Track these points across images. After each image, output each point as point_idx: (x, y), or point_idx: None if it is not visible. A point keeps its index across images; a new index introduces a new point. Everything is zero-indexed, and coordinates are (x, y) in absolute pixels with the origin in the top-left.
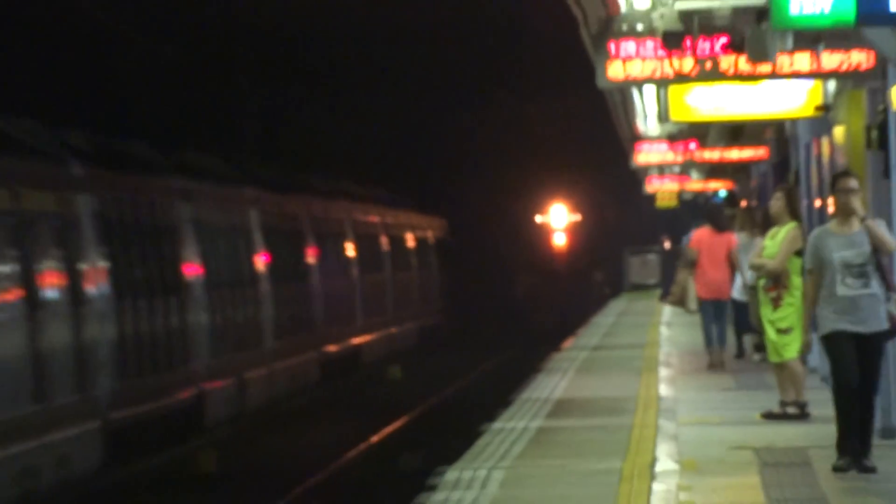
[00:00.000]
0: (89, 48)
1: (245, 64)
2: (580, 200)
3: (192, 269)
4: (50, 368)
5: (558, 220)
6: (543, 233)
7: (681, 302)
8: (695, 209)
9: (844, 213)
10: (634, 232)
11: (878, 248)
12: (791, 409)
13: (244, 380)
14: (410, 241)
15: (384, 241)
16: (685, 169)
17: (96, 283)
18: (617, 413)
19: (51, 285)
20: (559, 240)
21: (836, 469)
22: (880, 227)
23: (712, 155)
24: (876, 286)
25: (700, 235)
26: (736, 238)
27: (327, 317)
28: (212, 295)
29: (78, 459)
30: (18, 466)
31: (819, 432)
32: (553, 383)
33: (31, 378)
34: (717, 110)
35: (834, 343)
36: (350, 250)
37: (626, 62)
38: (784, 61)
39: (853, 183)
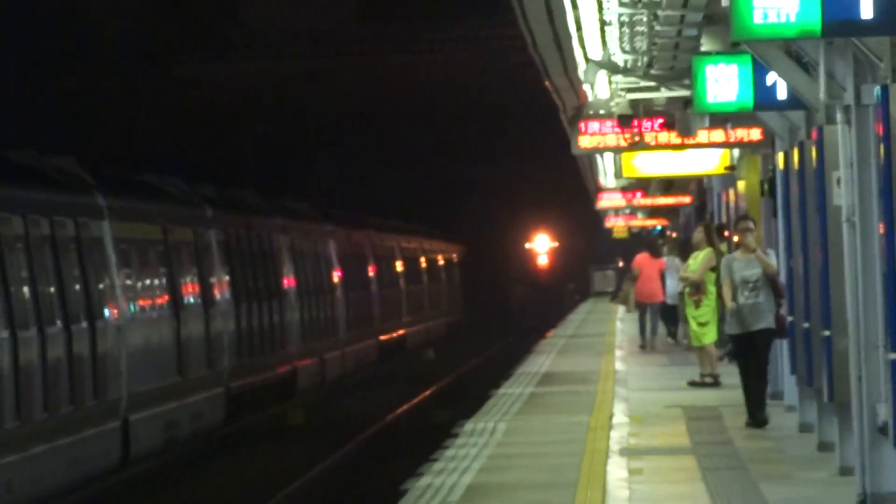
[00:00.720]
0: (210, 124)
1: (318, 136)
2: (558, 232)
3: (288, 281)
4: (188, 351)
5: (542, 245)
6: (531, 255)
7: (624, 302)
8: (639, 239)
9: (744, 245)
10: (597, 254)
11: (765, 271)
12: (708, 379)
13: (324, 359)
14: (440, 260)
15: (421, 260)
16: (633, 210)
17: (221, 291)
18: (586, 382)
19: (189, 293)
20: (542, 260)
21: (748, 425)
22: (767, 257)
23: (652, 201)
24: (763, 297)
25: (640, 259)
26: (665, 260)
27: (382, 315)
28: (301, 299)
29: (208, 414)
30: (172, 417)
31: (727, 396)
32: (541, 361)
33: (177, 357)
34: (656, 169)
35: (734, 341)
36: (398, 267)
37: (592, 136)
38: (703, 135)
39: (750, 224)
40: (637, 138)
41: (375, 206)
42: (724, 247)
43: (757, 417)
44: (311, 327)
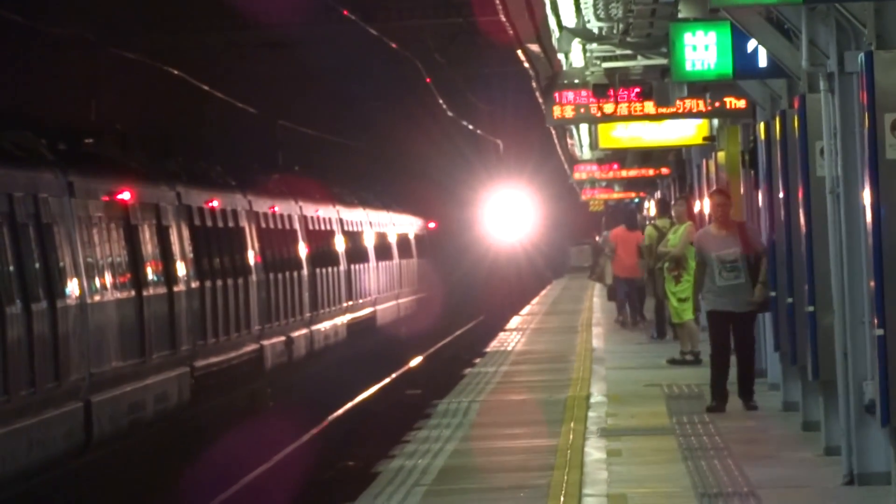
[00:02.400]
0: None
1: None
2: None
3: (254, 258)
4: (151, 330)
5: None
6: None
7: (600, 279)
8: (615, 212)
9: (717, 220)
10: (575, 229)
11: (750, 248)
12: (688, 357)
13: (291, 338)
14: (410, 234)
15: (392, 235)
16: (609, 183)
17: (185, 268)
18: (562, 361)
19: (152, 270)
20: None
21: (708, 410)
22: (758, 235)
23: (629, 173)
24: (744, 277)
25: (617, 233)
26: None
27: (351, 292)
28: (267, 276)
29: (173, 395)
30: (135, 399)
31: (708, 374)
32: (515, 339)
33: (139, 337)
34: (633, 140)
35: (712, 318)
36: (366, 242)
37: (567, 107)
38: (681, 105)
39: (722, 199)
40: (614, 109)
41: (341, 178)
42: (666, 223)
43: (749, 403)
44: (277, 305)
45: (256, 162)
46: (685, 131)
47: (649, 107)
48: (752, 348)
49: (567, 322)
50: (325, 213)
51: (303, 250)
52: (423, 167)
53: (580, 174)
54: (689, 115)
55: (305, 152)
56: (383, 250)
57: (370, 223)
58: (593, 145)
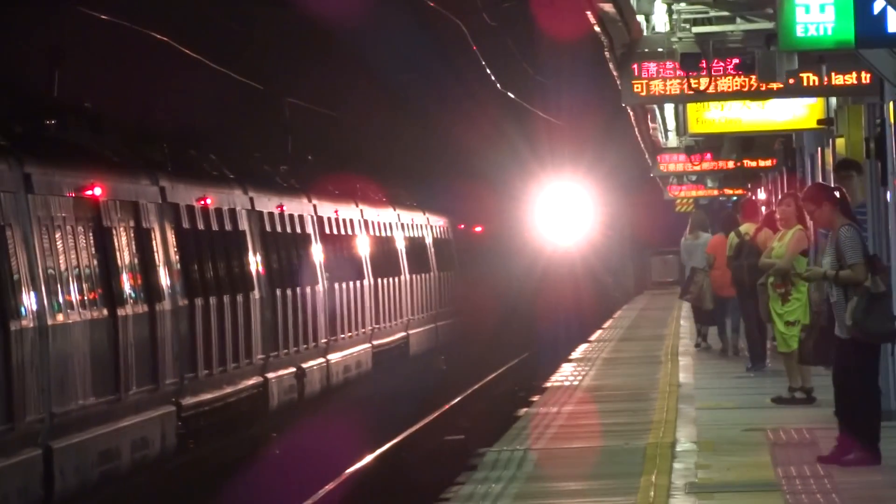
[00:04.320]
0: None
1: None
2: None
3: (257, 271)
4: (128, 360)
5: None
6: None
7: (699, 300)
8: (710, 213)
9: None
10: (657, 234)
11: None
12: (798, 394)
13: (303, 370)
14: (446, 244)
15: (428, 243)
16: (700, 178)
17: (171, 284)
18: (640, 399)
19: (130, 285)
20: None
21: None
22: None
23: (725, 164)
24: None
25: (716, 242)
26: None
27: (378, 313)
28: (274, 293)
29: (155, 441)
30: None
31: (824, 415)
32: (582, 372)
33: (113, 369)
34: (730, 124)
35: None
36: (399, 250)
37: (648, 82)
38: (790, 80)
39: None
40: (707, 84)
41: (365, 170)
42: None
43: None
44: (286, 329)
45: (260, 150)
46: (795, 113)
47: (751, 82)
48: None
49: (647, 350)
50: (346, 213)
51: (317, 260)
52: (465, 158)
53: (664, 166)
54: (801, 92)
55: (321, 138)
56: (418, 260)
57: (402, 226)
58: (680, 130)
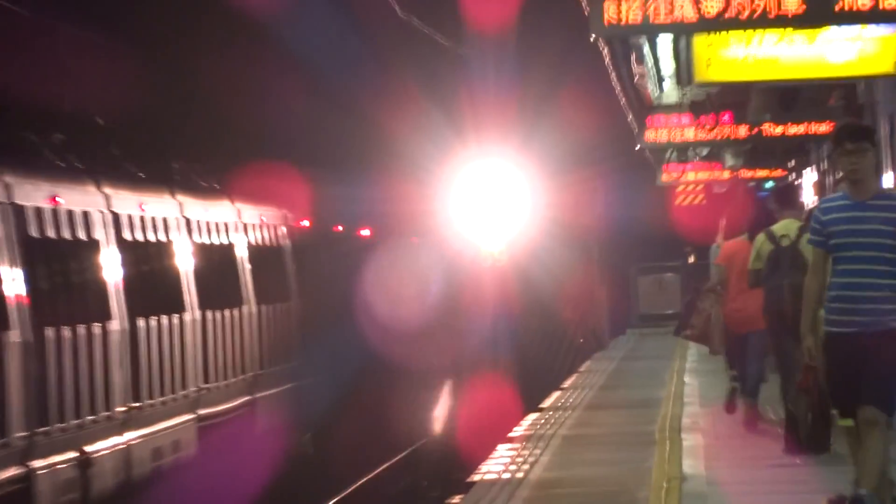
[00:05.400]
0: None
1: None
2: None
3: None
4: None
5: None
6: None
7: (704, 338)
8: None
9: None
10: (648, 241)
11: None
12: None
13: (87, 455)
14: (318, 257)
15: (288, 259)
16: (716, 150)
17: None
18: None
19: None
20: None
21: None
22: None
23: (752, 131)
24: None
25: (732, 249)
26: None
27: (205, 367)
28: (37, 335)
29: None
30: None
31: None
32: (527, 460)
33: None
34: (761, 67)
35: None
36: (240, 266)
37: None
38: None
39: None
40: (724, 5)
41: (189, 144)
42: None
43: None
44: (61, 391)
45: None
46: (863, 50)
47: (791, 2)
48: None
49: (632, 423)
50: (157, 207)
51: (112, 281)
52: (348, 130)
53: (656, 133)
54: (881, 16)
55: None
56: (273, 281)
57: (247, 227)
58: (683, 78)
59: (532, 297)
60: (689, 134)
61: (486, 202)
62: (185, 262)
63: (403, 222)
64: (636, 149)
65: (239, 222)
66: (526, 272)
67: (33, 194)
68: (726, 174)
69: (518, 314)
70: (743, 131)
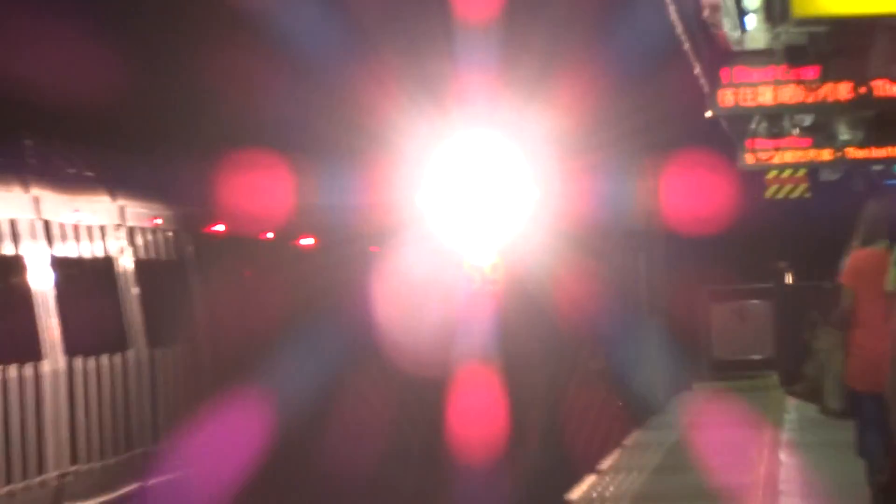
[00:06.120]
0: None
1: None
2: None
3: None
4: None
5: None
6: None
7: (815, 393)
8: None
9: None
10: (725, 257)
11: None
12: None
13: None
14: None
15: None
16: (825, 121)
17: None
18: None
19: None
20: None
21: None
22: None
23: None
24: None
25: (865, 262)
26: None
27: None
28: None
29: None
30: None
31: None
32: None
33: None
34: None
35: None
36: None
37: None
38: None
39: None
40: None
41: None
42: None
43: None
44: None
45: None
46: None
47: None
48: None
49: None
50: None
51: None
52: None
53: (738, 96)
54: None
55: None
56: (169, 314)
57: (131, 233)
58: (775, 12)
59: (543, 339)
60: (785, 95)
61: (475, 194)
62: (38, 286)
63: (358, 224)
64: (706, 115)
65: (122, 225)
66: (534, 300)
67: None
68: (838, 154)
69: (524, 366)
70: (862, 87)
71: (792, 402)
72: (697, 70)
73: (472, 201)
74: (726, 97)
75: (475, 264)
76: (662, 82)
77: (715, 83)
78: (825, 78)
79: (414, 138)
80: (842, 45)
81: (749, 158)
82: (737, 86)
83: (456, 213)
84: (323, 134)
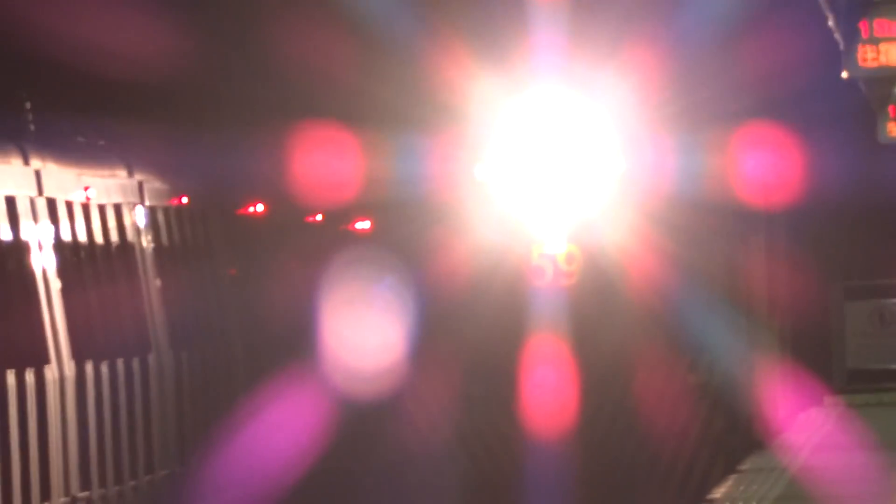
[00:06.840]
0: None
1: None
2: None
3: None
4: None
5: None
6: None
7: None
8: None
9: None
10: (859, 239)
11: None
12: None
13: None
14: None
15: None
16: None
17: None
18: None
19: None
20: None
21: None
22: None
23: None
24: None
25: None
26: None
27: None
28: None
29: None
30: None
31: None
32: None
33: None
34: None
35: None
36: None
37: None
38: None
39: None
40: None
41: None
42: None
43: None
44: None
45: None
46: None
47: None
48: None
49: None
50: None
51: None
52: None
53: (881, 54)
54: None
55: None
56: (108, 318)
57: (53, 209)
58: None
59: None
60: None
61: (548, 166)
62: (41, 277)
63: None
64: (842, 76)
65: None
66: (618, 301)
67: None
68: None
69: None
70: None
71: None
72: (831, 22)
73: (545, 175)
74: (867, 54)
75: (546, 254)
76: (784, 32)
77: (852, 38)
78: None
79: (479, 101)
80: None
81: (892, 128)
82: (878, 41)
83: (524, 189)
84: (386, 102)
